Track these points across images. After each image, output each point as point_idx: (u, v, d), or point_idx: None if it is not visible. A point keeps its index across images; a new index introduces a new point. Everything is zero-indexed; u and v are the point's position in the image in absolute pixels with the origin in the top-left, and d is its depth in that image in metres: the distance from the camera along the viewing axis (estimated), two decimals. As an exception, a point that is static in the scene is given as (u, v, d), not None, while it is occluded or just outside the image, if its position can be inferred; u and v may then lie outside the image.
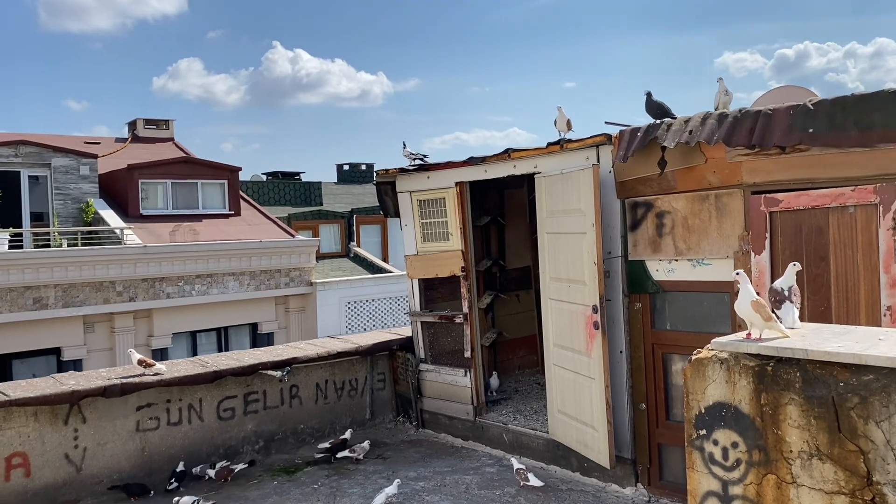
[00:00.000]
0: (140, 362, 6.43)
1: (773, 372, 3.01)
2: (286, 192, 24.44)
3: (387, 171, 8.05)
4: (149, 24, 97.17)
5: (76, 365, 14.47)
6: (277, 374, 7.04)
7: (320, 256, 19.83)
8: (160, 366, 6.60)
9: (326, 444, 7.04)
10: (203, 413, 6.86)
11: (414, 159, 7.75)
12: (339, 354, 7.65)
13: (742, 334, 3.23)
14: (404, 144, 7.81)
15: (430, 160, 7.68)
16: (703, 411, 3.24)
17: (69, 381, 6.14)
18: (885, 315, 4.55)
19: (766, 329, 3.11)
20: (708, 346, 3.26)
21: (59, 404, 5.95)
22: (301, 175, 26.77)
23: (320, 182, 25.54)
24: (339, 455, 6.93)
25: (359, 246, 22.08)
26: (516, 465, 6.16)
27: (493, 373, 8.20)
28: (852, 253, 4.73)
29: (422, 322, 7.97)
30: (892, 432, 2.71)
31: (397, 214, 8.14)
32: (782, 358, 2.99)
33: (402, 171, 7.85)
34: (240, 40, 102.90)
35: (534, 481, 5.96)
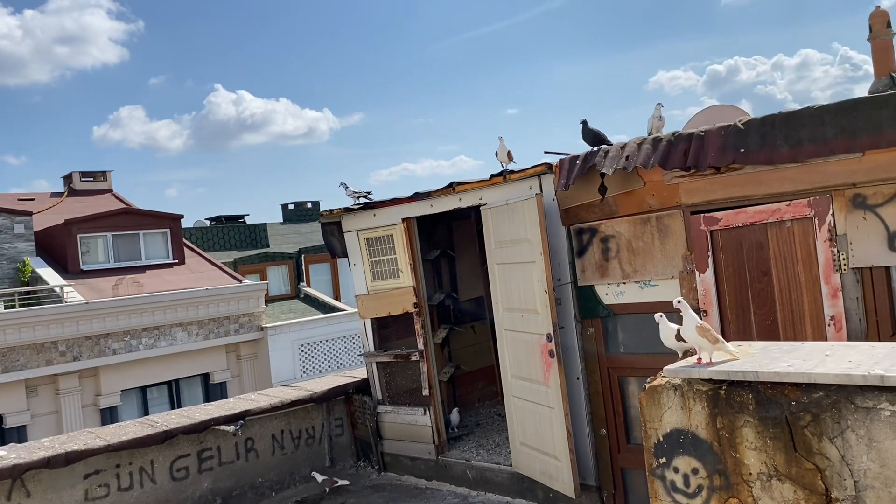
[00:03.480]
0: None
1: (726, 395, 3.02)
2: (231, 236, 24.05)
3: (331, 211, 7.96)
4: (88, 74, 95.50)
5: (20, 432, 13.89)
6: (230, 428, 6.83)
7: (270, 299, 19.50)
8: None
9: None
10: (155, 475, 6.59)
11: (358, 198, 7.68)
12: (294, 403, 7.45)
13: (693, 359, 3.25)
14: (346, 186, 7.71)
15: (374, 197, 7.63)
16: (661, 439, 3.23)
17: (10, 455, 5.84)
18: (829, 325, 4.65)
19: (715, 352, 3.13)
20: (661, 373, 3.26)
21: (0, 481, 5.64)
22: (245, 218, 26.40)
23: (266, 223, 25.21)
24: None
25: (309, 286, 21.81)
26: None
27: (454, 409, 8.10)
28: (793, 266, 4.83)
29: (377, 362, 7.85)
30: (846, 448, 2.74)
31: (345, 254, 8.04)
32: (734, 381, 3.00)
33: (348, 210, 7.78)
34: (183, 85, 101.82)
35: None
